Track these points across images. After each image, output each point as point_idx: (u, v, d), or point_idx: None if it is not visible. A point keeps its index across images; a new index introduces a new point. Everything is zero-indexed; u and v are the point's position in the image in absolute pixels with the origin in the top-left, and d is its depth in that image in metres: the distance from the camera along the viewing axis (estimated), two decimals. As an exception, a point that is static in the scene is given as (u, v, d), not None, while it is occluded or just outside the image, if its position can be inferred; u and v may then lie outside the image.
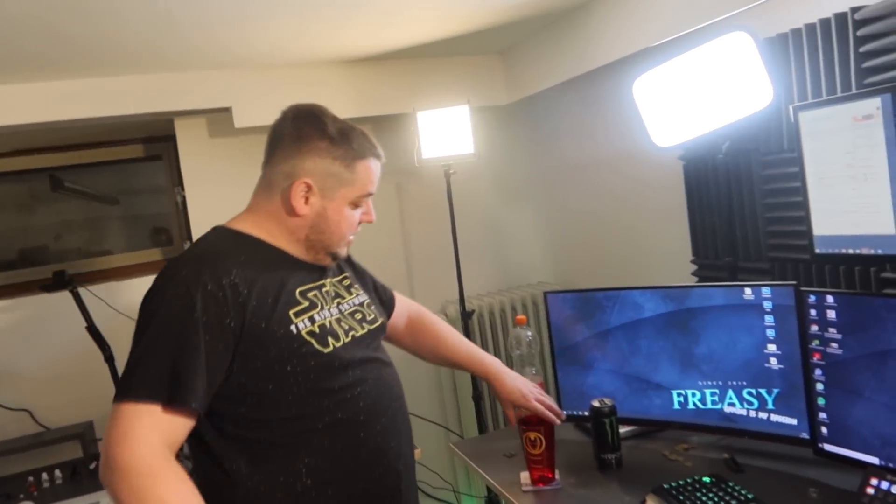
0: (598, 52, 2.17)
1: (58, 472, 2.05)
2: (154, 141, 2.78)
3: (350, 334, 1.17)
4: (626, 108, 2.26)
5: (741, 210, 1.85)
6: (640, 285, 1.65)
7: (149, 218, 2.91)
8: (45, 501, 1.90)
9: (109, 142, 2.73)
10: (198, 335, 0.97)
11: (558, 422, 1.46)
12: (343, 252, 1.22)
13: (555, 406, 1.49)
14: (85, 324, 2.15)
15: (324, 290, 1.19)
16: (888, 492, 1.19)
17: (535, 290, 2.82)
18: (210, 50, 2.08)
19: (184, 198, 2.65)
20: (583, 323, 1.71)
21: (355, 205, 1.17)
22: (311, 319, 1.11)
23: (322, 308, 1.15)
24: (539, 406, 1.46)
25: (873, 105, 1.20)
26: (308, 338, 1.09)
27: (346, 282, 1.29)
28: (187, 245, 2.76)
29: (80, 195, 2.60)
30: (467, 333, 2.50)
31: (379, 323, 1.28)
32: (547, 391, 1.86)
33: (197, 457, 1.10)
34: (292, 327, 1.08)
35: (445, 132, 2.33)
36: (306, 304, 1.12)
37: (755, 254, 1.83)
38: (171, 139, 2.63)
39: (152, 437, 0.93)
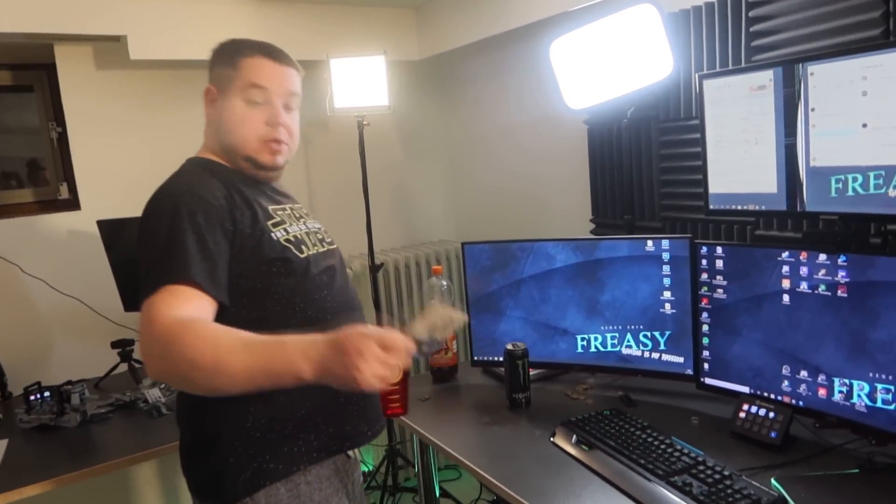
0: (513, 13, 2.23)
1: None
2: (26, 69, 2.47)
3: (315, 248, 1.27)
4: (537, 71, 2.36)
5: (639, 172, 2.01)
6: (552, 238, 1.76)
7: (3, 160, 2.59)
8: None
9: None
10: (209, 230, 1.08)
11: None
12: (265, 159, 1.23)
13: None
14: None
15: (287, 209, 1.28)
16: (756, 414, 1.39)
17: (438, 248, 2.88)
18: (103, -32, 1.89)
19: (59, 134, 2.40)
20: (497, 273, 1.79)
21: (250, 102, 1.20)
22: (286, 230, 1.22)
23: (291, 224, 1.25)
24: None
25: (766, 77, 1.35)
26: (286, 244, 1.19)
27: (303, 210, 1.37)
28: (64, 186, 2.51)
29: None
30: (375, 287, 2.52)
31: (335, 246, 1.36)
32: (460, 336, 1.94)
33: None
34: (272, 235, 1.18)
35: (359, 82, 2.29)
36: (278, 219, 1.23)
37: (649, 213, 2.00)
38: (46, 68, 2.36)
39: (173, 307, 0.98)
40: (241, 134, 1.20)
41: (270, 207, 1.23)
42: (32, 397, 1.93)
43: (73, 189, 2.44)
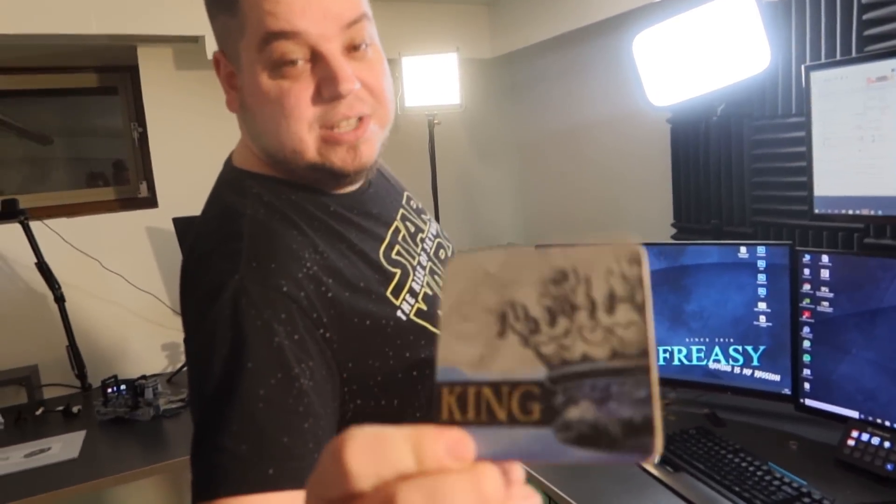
0: (592, 6, 2.13)
1: (0, 418, 1.91)
2: (110, 71, 2.56)
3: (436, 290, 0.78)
4: (615, 67, 2.25)
5: (728, 174, 1.87)
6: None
7: (91, 161, 2.69)
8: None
9: (58, 68, 2.50)
10: (302, 367, 0.61)
11: None
12: (340, 159, 0.68)
13: None
14: (34, 259, 1.98)
15: (400, 236, 0.78)
16: (868, 443, 1.24)
17: (507, 251, 2.81)
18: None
19: (141, 134, 2.47)
20: (573, 278, 1.70)
21: (275, 65, 0.64)
22: (412, 293, 0.73)
23: (414, 267, 0.76)
24: None
25: (888, 66, 1.21)
26: (420, 322, 0.71)
27: (414, 203, 0.86)
28: (143, 186, 2.58)
29: (7, 128, 2.37)
30: (441, 290, 2.47)
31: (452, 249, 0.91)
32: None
33: None
34: (399, 314, 0.70)
35: (431, 80, 2.25)
36: (398, 271, 0.73)
37: (738, 218, 1.86)
38: (129, 70, 2.44)
39: None
40: (285, 132, 0.66)
41: (381, 251, 0.73)
42: (109, 390, 1.98)
43: (152, 188, 2.51)
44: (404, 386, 0.69)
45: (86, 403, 2.03)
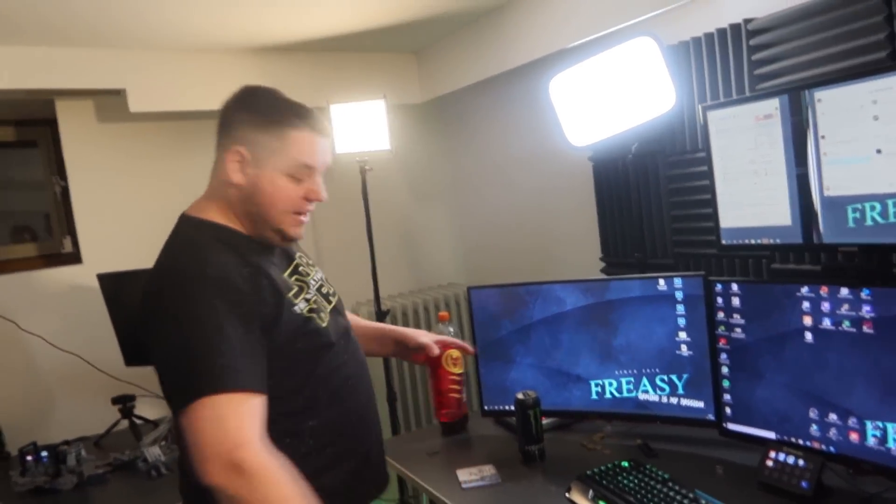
0: (512, 53, 2.22)
1: None
2: (29, 124, 2.49)
3: (328, 308, 1.24)
4: (540, 108, 2.33)
5: (648, 208, 1.95)
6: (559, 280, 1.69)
7: (13, 214, 2.59)
8: None
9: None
10: (245, 321, 1.03)
11: (471, 350, 1.68)
12: (294, 232, 1.17)
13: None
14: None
15: (299, 270, 1.24)
16: (785, 462, 1.29)
17: (447, 291, 2.82)
18: (103, 25, 1.90)
19: (63, 188, 2.40)
20: (505, 318, 1.72)
21: (294, 178, 1.13)
22: (306, 300, 1.18)
23: (307, 289, 1.21)
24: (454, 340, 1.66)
25: (772, 105, 1.30)
26: (310, 315, 1.16)
27: (304, 258, 1.33)
28: (67, 240, 2.50)
29: None
30: (381, 333, 2.45)
31: (337, 297, 1.34)
32: (468, 386, 1.86)
33: None
34: (295, 308, 1.14)
35: (361, 126, 2.28)
36: (296, 287, 1.18)
37: (661, 250, 1.93)
38: (49, 123, 2.38)
39: (260, 429, 0.98)
40: (279, 208, 1.13)
41: (284, 275, 1.19)
42: (28, 458, 1.87)
43: (76, 243, 2.43)
44: (289, 353, 1.12)
45: (2, 474, 1.91)
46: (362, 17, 2.12)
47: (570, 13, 2.00)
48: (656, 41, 1.61)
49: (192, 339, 1.00)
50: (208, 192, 1.18)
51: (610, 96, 1.73)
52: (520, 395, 1.56)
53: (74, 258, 2.41)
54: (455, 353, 1.63)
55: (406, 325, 2.68)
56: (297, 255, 1.30)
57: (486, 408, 1.77)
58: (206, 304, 1.01)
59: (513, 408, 1.57)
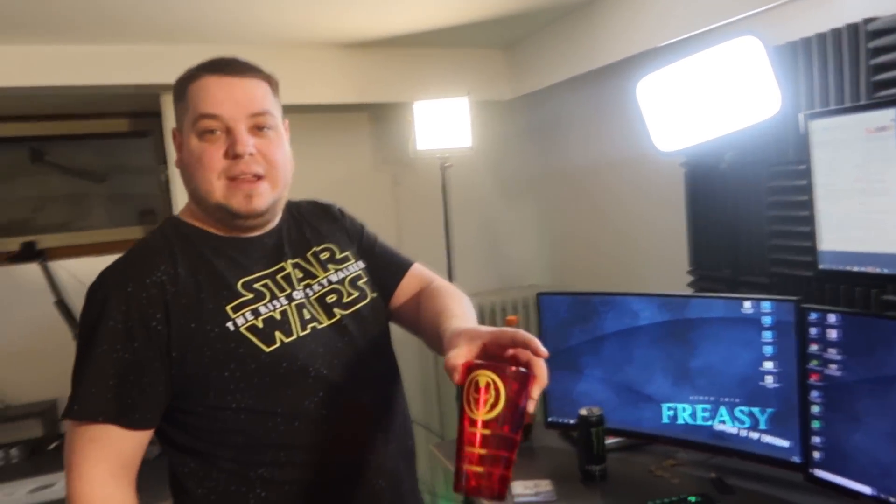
0: (603, 50, 2.11)
1: (14, 451, 1.97)
2: (141, 116, 2.68)
3: (311, 325, 0.97)
4: (631, 109, 2.20)
5: (745, 221, 1.79)
6: (636, 292, 1.59)
7: (136, 198, 2.81)
8: (-1, 479, 1.82)
9: (94, 114, 2.64)
10: (128, 343, 0.88)
11: (544, 353, 0.78)
12: (237, 203, 0.94)
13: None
14: (54, 298, 2.06)
15: (280, 276, 1.00)
16: (882, 524, 1.14)
17: (528, 293, 2.76)
18: (202, 23, 2.00)
19: (167, 177, 2.57)
20: (576, 327, 1.65)
21: (201, 134, 0.93)
22: (255, 312, 0.94)
23: (273, 298, 0.97)
24: (516, 331, 0.80)
25: (888, 116, 1.14)
26: (246, 334, 0.92)
27: (325, 255, 1.07)
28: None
29: (62, 169, 2.50)
30: (454, 332, 2.43)
31: (364, 303, 1.05)
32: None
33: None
34: (228, 324, 0.91)
35: (443, 124, 2.26)
36: (250, 295, 0.95)
37: (757, 267, 1.77)
38: (158, 115, 2.55)
39: (98, 469, 0.87)
40: (200, 176, 0.94)
41: (243, 281, 0.96)
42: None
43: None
44: (218, 381, 0.91)
45: None
46: (450, 12, 2.09)
47: (666, 9, 1.86)
48: (761, 41, 1.46)
49: (78, 346, 0.91)
50: None
51: (705, 99, 1.59)
52: (583, 412, 1.49)
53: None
54: (483, 378, 0.72)
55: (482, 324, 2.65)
56: (312, 248, 1.06)
57: (550, 419, 1.71)
58: (88, 317, 0.90)
59: (577, 422, 1.50)
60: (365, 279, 1.09)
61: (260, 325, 0.93)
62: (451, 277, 2.41)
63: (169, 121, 2.45)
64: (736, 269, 1.78)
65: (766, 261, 1.73)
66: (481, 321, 2.85)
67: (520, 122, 2.91)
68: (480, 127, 2.35)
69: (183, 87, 0.96)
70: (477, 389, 0.71)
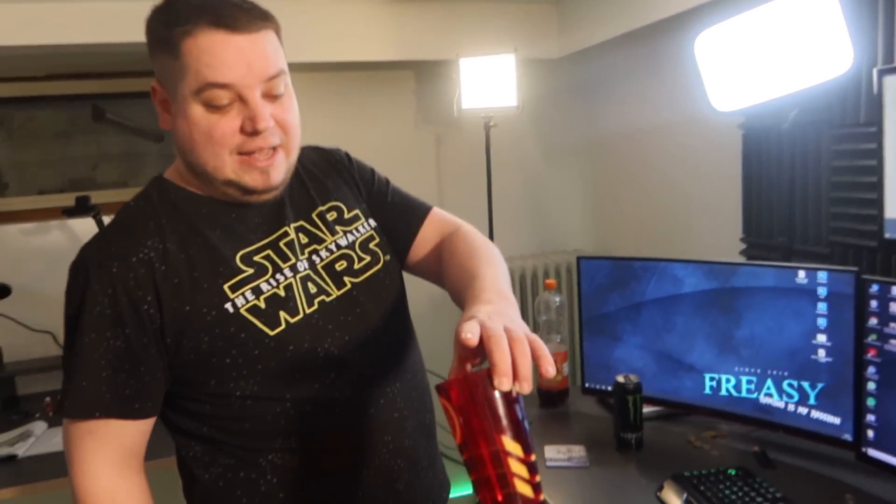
0: (658, 3, 1.99)
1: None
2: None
3: (318, 300, 0.89)
4: (685, 67, 2.09)
5: (804, 187, 1.69)
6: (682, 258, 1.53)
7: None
8: (57, 422, 1.92)
9: (149, 72, 2.67)
10: (119, 330, 0.80)
11: (551, 371, 0.64)
12: (252, 179, 0.84)
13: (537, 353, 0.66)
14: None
15: (282, 242, 0.90)
16: (938, 508, 1.07)
17: (571, 258, 2.71)
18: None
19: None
20: (616, 292, 1.60)
21: (209, 104, 0.79)
22: (256, 291, 0.85)
23: (276, 271, 0.87)
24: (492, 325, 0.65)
25: (979, 71, 1.03)
26: (248, 316, 0.83)
27: (332, 214, 0.96)
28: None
29: (122, 128, 2.56)
30: (494, 295, 2.41)
31: (377, 268, 0.96)
32: (571, 361, 1.77)
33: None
34: (227, 305, 0.83)
35: (488, 82, 2.20)
36: (249, 271, 0.86)
37: (814, 237, 1.67)
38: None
39: (99, 462, 0.83)
40: (208, 152, 0.82)
41: (241, 254, 0.86)
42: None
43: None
44: (219, 369, 0.83)
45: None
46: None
47: (731, -44, 1.74)
48: (834, -11, 1.35)
49: (65, 335, 0.84)
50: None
51: (768, 55, 1.49)
52: (620, 378, 1.45)
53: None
54: (443, 403, 0.62)
55: (523, 288, 2.62)
56: (318, 207, 0.95)
57: (587, 385, 1.68)
58: (71, 304, 0.82)
59: (613, 388, 1.47)
60: (377, 240, 0.99)
61: (262, 305, 0.84)
62: (492, 240, 2.37)
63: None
64: (791, 238, 1.68)
65: (825, 229, 1.63)
66: (522, 284, 2.78)
67: (567, 82, 2.81)
68: (526, 86, 2.28)
69: (174, 40, 0.78)
70: (448, 417, 0.61)
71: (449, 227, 1.06)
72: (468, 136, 2.57)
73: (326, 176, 1.00)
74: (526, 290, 2.62)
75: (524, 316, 2.84)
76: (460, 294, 0.85)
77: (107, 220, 2.26)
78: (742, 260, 1.90)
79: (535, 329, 1.56)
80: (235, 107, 0.81)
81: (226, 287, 0.84)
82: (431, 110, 2.63)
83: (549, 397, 1.72)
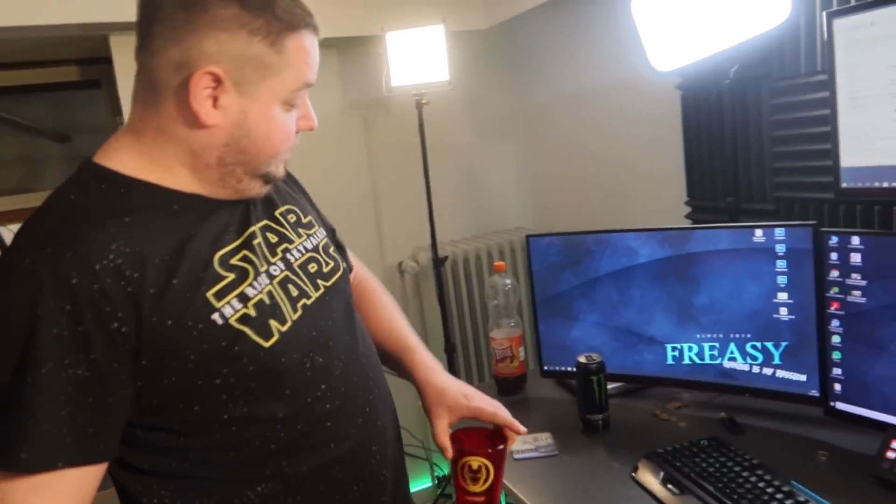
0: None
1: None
2: (92, 63, 2.45)
3: (300, 304, 0.82)
4: (619, 30, 2.04)
5: (745, 144, 1.66)
6: (632, 228, 1.47)
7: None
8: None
9: (40, 62, 2.39)
10: (81, 356, 0.66)
11: (522, 430, 0.94)
12: (280, 171, 0.83)
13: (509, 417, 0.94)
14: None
15: (254, 242, 0.81)
16: (912, 457, 1.05)
17: (514, 236, 2.63)
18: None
19: (125, 130, 2.36)
20: (568, 270, 1.53)
21: (289, 104, 0.78)
22: (242, 297, 0.75)
23: (257, 274, 0.78)
24: (496, 412, 0.93)
25: (930, 5, 1.00)
26: (239, 327, 0.73)
27: (292, 217, 0.91)
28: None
29: (18, 127, 2.28)
30: (440, 283, 2.31)
31: (340, 272, 0.93)
32: (526, 345, 1.70)
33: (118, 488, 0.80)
34: (214, 316, 0.72)
35: (418, 56, 2.08)
36: (231, 276, 0.75)
37: (758, 194, 1.65)
38: (110, 61, 2.32)
39: None
40: (270, 150, 0.78)
41: (219, 255, 0.76)
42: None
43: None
44: (207, 391, 0.72)
45: None
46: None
47: None
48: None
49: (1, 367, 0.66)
50: (130, 122, 0.78)
51: (706, 9, 1.44)
52: (581, 359, 1.38)
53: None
54: (475, 462, 0.89)
55: (467, 273, 2.52)
56: (277, 208, 0.89)
57: (545, 368, 1.60)
58: (12, 326, 0.65)
59: (575, 369, 1.40)
60: (332, 248, 0.95)
61: (253, 313, 0.75)
62: (431, 224, 2.27)
63: (124, 64, 2.22)
64: (737, 197, 1.65)
65: (770, 185, 1.60)
66: (468, 267, 2.66)
67: (498, 54, 2.72)
68: (457, 61, 2.17)
69: (279, 32, 0.73)
70: (471, 471, 0.89)
71: (360, 269, 1.14)
72: (399, 117, 2.44)
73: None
74: (471, 273, 2.53)
75: (472, 302, 2.73)
76: (394, 353, 1.04)
77: (5, 231, 2.01)
78: (688, 224, 1.87)
79: (485, 314, 1.47)
80: (296, 106, 0.81)
81: (209, 295, 0.73)
82: (358, 91, 2.48)
83: (507, 384, 1.64)
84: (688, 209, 1.90)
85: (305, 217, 0.94)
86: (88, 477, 0.68)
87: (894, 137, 1.08)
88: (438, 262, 2.25)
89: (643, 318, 1.46)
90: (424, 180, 2.21)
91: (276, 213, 0.88)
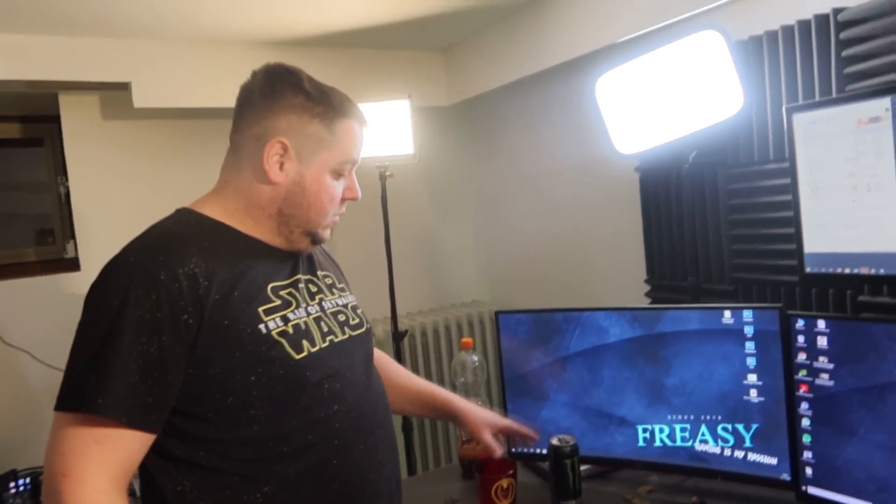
0: (553, 49, 2.01)
1: None
2: (35, 121, 2.35)
3: (328, 338, 1.00)
4: (581, 112, 2.12)
5: (703, 227, 1.72)
6: (603, 307, 1.47)
7: (25, 217, 2.45)
8: None
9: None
10: (155, 336, 0.83)
11: (535, 436, 1.38)
12: (326, 235, 1.03)
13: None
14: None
15: (299, 286, 1.02)
16: (887, 545, 1.04)
17: (471, 310, 2.61)
18: (109, 13, 1.75)
19: (68, 190, 2.25)
20: (538, 348, 1.50)
21: (337, 174, 0.99)
22: (285, 319, 0.94)
23: (297, 306, 0.98)
24: (519, 427, 1.36)
25: (882, 106, 1.07)
26: (279, 338, 0.91)
27: (329, 280, 1.12)
28: (70, 245, 2.35)
29: None
30: (398, 357, 2.24)
31: (364, 328, 1.11)
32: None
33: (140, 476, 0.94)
34: (261, 326, 0.91)
35: (383, 129, 2.09)
36: (278, 301, 0.95)
37: (717, 275, 1.69)
38: (55, 120, 2.23)
39: (102, 476, 0.81)
40: (319, 208, 0.98)
41: (272, 286, 0.96)
42: (12, 485, 1.70)
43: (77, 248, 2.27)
44: (243, 384, 0.89)
45: (-22, 503, 1.74)
46: (385, 8, 1.94)
47: (622, 4, 1.78)
48: (723, 36, 1.39)
49: (79, 339, 0.84)
50: (218, 184, 1.02)
51: (666, 98, 1.51)
52: (555, 441, 1.33)
53: (75, 264, 2.26)
54: (506, 482, 1.26)
55: (425, 346, 2.47)
56: (318, 271, 1.09)
57: (513, 450, 1.54)
58: (109, 303, 0.83)
59: (545, 451, 1.35)
60: (360, 309, 1.14)
61: (290, 331, 0.93)
62: (392, 296, 2.22)
63: (72, 123, 2.14)
64: (697, 277, 1.70)
65: (728, 266, 1.66)
66: (426, 341, 2.64)
67: (460, 130, 2.78)
68: (420, 135, 2.20)
69: (332, 118, 0.97)
70: (503, 489, 1.28)
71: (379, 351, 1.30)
72: (363, 189, 2.42)
73: (321, 253, 1.17)
74: (429, 347, 2.47)
75: (431, 376, 2.66)
76: (427, 392, 1.34)
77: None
78: (647, 302, 1.90)
79: (453, 391, 1.42)
80: (344, 179, 1.02)
81: (260, 310, 0.92)
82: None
83: (473, 467, 1.56)
84: (647, 287, 1.94)
85: (339, 283, 1.14)
86: (136, 443, 0.83)
87: (855, 227, 1.14)
88: (398, 336, 2.18)
89: (614, 399, 1.43)
90: (386, 253, 2.18)
91: (318, 273, 1.09)
